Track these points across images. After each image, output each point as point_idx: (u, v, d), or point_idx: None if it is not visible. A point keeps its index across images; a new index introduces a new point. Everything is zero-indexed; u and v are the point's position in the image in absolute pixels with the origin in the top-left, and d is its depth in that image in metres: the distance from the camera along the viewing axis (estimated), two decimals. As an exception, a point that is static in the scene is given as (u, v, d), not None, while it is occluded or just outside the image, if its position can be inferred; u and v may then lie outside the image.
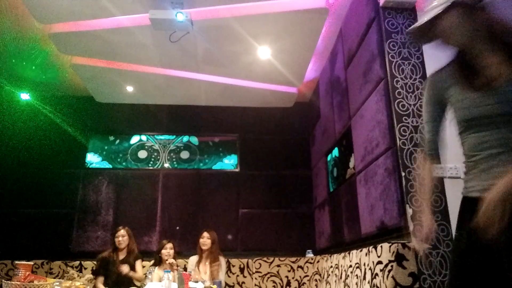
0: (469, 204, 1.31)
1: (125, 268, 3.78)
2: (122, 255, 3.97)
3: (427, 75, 2.83)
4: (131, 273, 3.83)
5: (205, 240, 4.03)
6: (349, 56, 3.67)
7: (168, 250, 3.95)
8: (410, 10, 2.99)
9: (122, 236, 3.97)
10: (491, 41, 1.26)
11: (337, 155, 4.15)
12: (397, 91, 2.79)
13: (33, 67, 4.66)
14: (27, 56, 4.41)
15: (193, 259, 4.10)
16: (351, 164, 3.61)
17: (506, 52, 1.24)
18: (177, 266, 3.76)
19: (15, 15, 3.73)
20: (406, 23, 2.97)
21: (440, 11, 1.28)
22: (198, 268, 3.98)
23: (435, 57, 2.88)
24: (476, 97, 1.29)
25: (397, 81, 2.81)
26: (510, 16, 1.31)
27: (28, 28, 3.92)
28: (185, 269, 4.13)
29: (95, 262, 4.35)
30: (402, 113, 2.74)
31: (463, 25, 1.28)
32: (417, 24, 1.35)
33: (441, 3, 1.29)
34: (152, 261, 4.07)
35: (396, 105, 2.76)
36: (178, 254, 4.27)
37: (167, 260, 3.91)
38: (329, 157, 4.48)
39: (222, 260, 4.07)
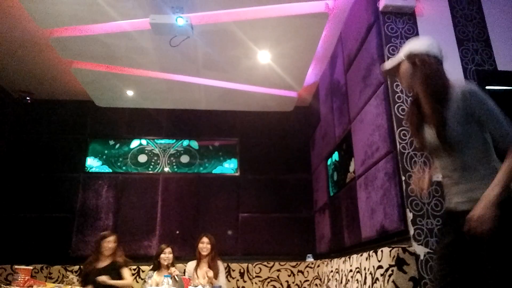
0: (447, 215, 1.64)
1: (103, 278, 3.58)
2: (105, 263, 3.77)
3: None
4: (114, 282, 3.64)
5: (205, 245, 4.01)
6: (349, 60, 3.68)
7: (167, 255, 3.93)
8: (410, 15, 3.01)
9: (114, 243, 3.82)
10: (427, 90, 1.59)
11: (337, 159, 4.15)
12: (397, 95, 2.80)
13: (34, 72, 4.67)
14: (28, 60, 4.42)
15: (191, 264, 4.09)
16: (351, 168, 3.61)
17: (434, 100, 1.57)
18: (178, 274, 3.74)
19: (16, 19, 3.75)
20: (406, 28, 2.98)
21: (397, 62, 1.67)
22: (197, 273, 3.97)
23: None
24: (427, 131, 1.64)
25: (397, 85, 2.82)
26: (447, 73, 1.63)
27: (29, 32, 3.93)
28: (184, 273, 4.11)
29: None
30: (402, 117, 2.75)
31: (409, 74, 1.64)
32: (385, 66, 1.72)
33: (402, 53, 1.66)
34: (151, 266, 4.05)
35: (396, 109, 2.76)
36: (177, 259, 4.26)
37: (167, 265, 3.90)
38: (329, 161, 4.48)
39: (221, 265, 4.05)
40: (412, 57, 1.62)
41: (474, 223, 1.38)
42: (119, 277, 3.74)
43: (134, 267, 4.32)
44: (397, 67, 1.68)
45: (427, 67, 1.58)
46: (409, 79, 1.64)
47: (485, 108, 1.49)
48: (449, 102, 1.54)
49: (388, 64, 1.71)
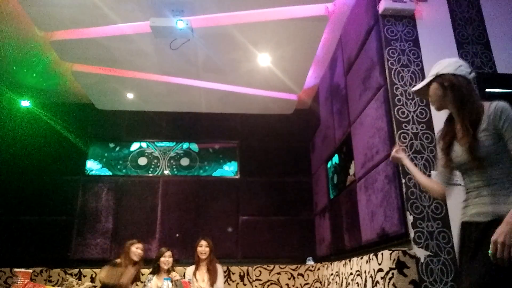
0: (464, 227, 1.63)
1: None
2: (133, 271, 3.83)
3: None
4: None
5: (204, 248, 4.01)
6: (349, 63, 3.68)
7: (167, 258, 3.92)
8: (409, 18, 3.01)
9: (142, 249, 3.90)
10: (459, 111, 1.62)
11: (337, 162, 4.15)
12: (396, 98, 2.80)
13: (34, 74, 4.68)
14: (28, 63, 4.43)
15: (190, 269, 4.08)
16: (351, 171, 3.61)
17: (468, 122, 1.58)
18: (178, 279, 3.74)
19: (16, 22, 3.76)
20: (405, 31, 2.98)
21: (425, 84, 1.71)
22: (196, 277, 3.96)
23: (435, 64, 2.90)
24: (456, 148, 1.66)
25: (397, 88, 2.82)
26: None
27: (30, 35, 3.94)
28: (183, 277, 4.10)
29: (95, 270, 4.34)
30: (402, 120, 2.75)
31: (439, 96, 1.67)
32: (415, 88, 1.77)
33: (431, 74, 1.70)
34: (151, 269, 4.04)
35: (396, 112, 2.77)
36: (177, 262, 4.25)
37: (168, 269, 3.89)
38: (329, 164, 4.48)
39: (219, 268, 4.05)
40: (439, 79, 1.65)
41: (501, 246, 1.35)
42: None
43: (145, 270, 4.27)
44: (426, 88, 1.71)
45: (456, 89, 1.60)
46: (439, 100, 1.68)
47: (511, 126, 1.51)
48: (481, 120, 1.56)
49: (417, 86, 1.75)
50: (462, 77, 1.62)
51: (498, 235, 1.36)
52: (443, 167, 1.76)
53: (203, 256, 3.99)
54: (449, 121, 1.73)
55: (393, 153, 2.01)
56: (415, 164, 2.64)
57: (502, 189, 1.51)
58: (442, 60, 1.71)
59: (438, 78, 1.65)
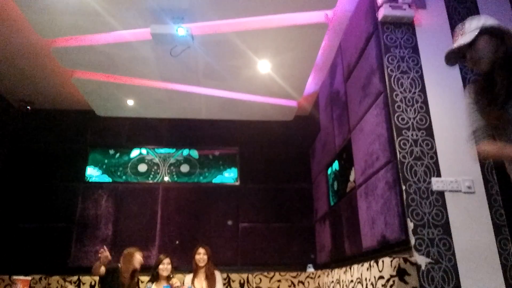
0: None
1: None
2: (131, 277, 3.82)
3: (426, 89, 2.85)
4: None
5: (202, 256, 4.01)
6: (349, 70, 3.69)
7: (165, 266, 3.90)
8: (408, 25, 3.03)
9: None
10: (507, 66, 1.47)
11: (337, 168, 4.14)
12: (396, 104, 2.80)
13: (35, 81, 4.69)
14: (29, 70, 4.44)
15: (189, 277, 4.07)
16: (352, 178, 3.60)
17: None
18: (178, 286, 3.72)
19: (18, 29, 3.78)
20: (405, 38, 3.00)
21: (473, 37, 1.50)
22: (194, 285, 3.94)
23: (434, 70, 2.91)
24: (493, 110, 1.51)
25: (397, 95, 2.83)
26: None
27: (30, 42, 3.95)
28: (183, 284, 4.08)
29: (94, 278, 4.31)
30: (402, 126, 2.75)
31: (492, 48, 1.49)
32: (453, 46, 1.56)
33: (472, 29, 1.51)
34: (150, 277, 4.01)
35: (395, 119, 2.77)
36: (176, 269, 4.23)
37: (167, 276, 3.87)
38: (329, 171, 4.47)
39: (218, 275, 4.03)
40: (490, 31, 1.50)
41: None
42: None
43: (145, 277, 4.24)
44: (466, 46, 1.53)
45: (506, 40, 1.49)
46: (492, 55, 1.50)
47: None
48: None
49: (460, 42, 1.54)
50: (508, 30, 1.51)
51: None
52: (485, 123, 1.56)
53: (201, 264, 3.98)
54: (488, 82, 1.55)
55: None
56: (415, 171, 2.63)
57: None
58: (470, 18, 1.58)
59: (486, 32, 1.50)
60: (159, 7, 3.38)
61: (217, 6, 3.42)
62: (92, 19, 3.51)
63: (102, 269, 3.59)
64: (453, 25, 3.07)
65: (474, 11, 3.15)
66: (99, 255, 3.49)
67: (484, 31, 1.49)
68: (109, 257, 3.52)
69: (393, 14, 2.96)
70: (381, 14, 2.99)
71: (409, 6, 2.99)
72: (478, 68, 1.56)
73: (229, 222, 5.02)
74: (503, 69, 1.49)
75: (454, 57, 1.58)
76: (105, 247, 3.56)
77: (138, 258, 3.82)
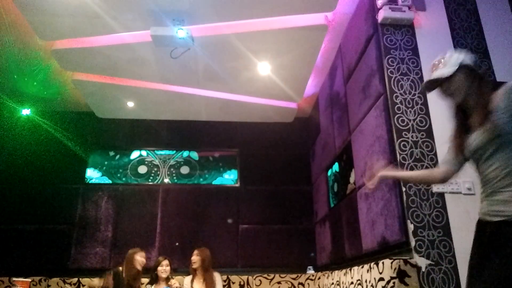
0: (478, 226, 1.58)
1: None
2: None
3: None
4: None
5: (194, 257, 4.02)
6: (349, 71, 3.70)
7: (164, 267, 3.90)
8: (408, 27, 3.03)
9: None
10: (480, 98, 1.57)
11: (337, 170, 4.14)
12: (396, 106, 2.81)
13: (35, 83, 4.69)
14: (29, 72, 4.44)
15: (188, 279, 4.07)
16: (352, 179, 3.60)
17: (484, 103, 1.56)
18: (177, 287, 3.72)
19: (17, 31, 3.78)
20: (405, 39, 3.00)
21: (452, 72, 1.59)
22: (193, 287, 3.94)
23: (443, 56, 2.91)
24: (471, 137, 1.60)
25: (397, 97, 2.83)
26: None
27: (30, 44, 3.96)
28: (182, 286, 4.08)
29: (93, 279, 4.30)
30: (402, 128, 2.75)
31: (465, 85, 1.58)
32: (432, 76, 1.64)
33: (453, 63, 1.60)
34: (149, 279, 4.01)
35: (395, 120, 2.77)
36: (176, 271, 4.23)
37: (166, 277, 3.86)
38: (329, 172, 4.47)
39: (217, 276, 4.03)
40: (465, 68, 1.59)
41: None
42: None
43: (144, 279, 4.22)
44: (444, 78, 1.62)
45: (485, 79, 1.60)
46: (465, 91, 1.59)
47: None
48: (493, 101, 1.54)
49: (437, 74, 1.63)
50: (481, 68, 1.61)
51: None
52: (452, 155, 1.71)
53: (193, 266, 3.99)
54: (461, 114, 1.67)
55: (375, 180, 1.95)
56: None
57: None
58: (452, 51, 1.67)
59: (463, 68, 1.59)
60: (159, 9, 3.38)
61: (217, 8, 3.42)
62: (92, 21, 3.52)
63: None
64: (453, 27, 3.08)
65: (473, 13, 3.16)
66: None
67: (463, 68, 1.58)
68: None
69: (393, 16, 2.97)
70: (381, 16, 3.00)
71: (409, 8, 2.99)
72: (451, 100, 1.66)
73: (229, 221, 5.01)
74: (474, 105, 1.59)
75: (432, 86, 1.68)
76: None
77: (138, 259, 3.81)
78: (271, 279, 4.50)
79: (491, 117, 1.51)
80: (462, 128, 1.66)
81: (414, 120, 2.78)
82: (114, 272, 3.72)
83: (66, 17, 3.46)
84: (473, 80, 1.58)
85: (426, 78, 2.88)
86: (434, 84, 1.67)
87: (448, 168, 1.73)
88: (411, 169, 2.63)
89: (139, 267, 3.79)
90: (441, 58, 1.67)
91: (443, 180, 1.78)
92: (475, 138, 1.57)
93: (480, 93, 1.57)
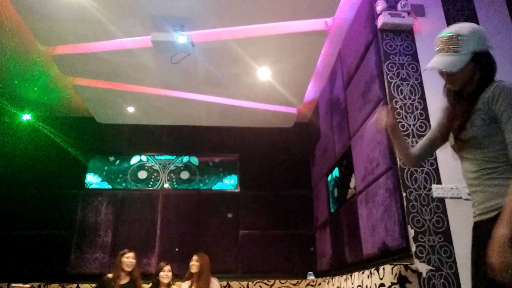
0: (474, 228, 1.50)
1: None
2: (125, 280, 3.76)
3: (426, 96, 2.86)
4: None
5: (193, 263, 4.01)
6: (348, 77, 3.71)
7: (166, 273, 3.89)
8: (408, 32, 3.04)
9: (133, 258, 3.79)
10: (479, 89, 1.46)
11: (337, 175, 4.14)
12: (396, 111, 2.81)
13: (35, 88, 4.70)
14: (29, 77, 4.46)
15: (186, 284, 4.05)
16: (352, 185, 3.60)
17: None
18: None
19: (18, 37, 3.79)
20: (404, 45, 3.01)
21: (463, 66, 1.43)
22: None
23: (434, 77, 2.92)
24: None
25: (396, 102, 2.83)
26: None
27: (31, 50, 3.97)
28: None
29: (93, 285, 4.28)
30: (402, 133, 2.75)
31: (469, 76, 1.46)
32: (438, 66, 1.46)
33: (464, 52, 1.43)
34: (150, 284, 3.99)
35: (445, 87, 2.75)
36: (176, 277, 4.21)
37: (168, 283, 3.85)
38: (329, 177, 4.47)
39: (215, 282, 4.01)
40: (476, 57, 1.44)
41: (499, 273, 1.20)
42: None
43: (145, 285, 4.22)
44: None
45: (491, 71, 1.47)
46: (467, 81, 1.46)
47: (509, 108, 1.33)
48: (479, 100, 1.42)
49: (447, 63, 1.44)
50: (491, 55, 1.47)
51: (491, 255, 1.22)
52: (429, 139, 1.67)
53: (192, 270, 4.00)
54: (458, 99, 1.53)
55: (382, 116, 1.78)
56: (415, 178, 2.63)
57: (495, 179, 1.37)
58: (464, 26, 1.49)
59: (475, 57, 1.44)
60: (160, 15, 3.40)
61: (218, 14, 3.44)
62: (93, 27, 3.53)
63: None
64: (452, 33, 3.08)
65: (472, 18, 3.17)
66: None
67: (475, 57, 1.44)
68: None
69: (392, 21, 2.98)
70: (380, 21, 3.01)
71: (408, 13, 3.01)
72: (450, 86, 1.53)
73: (229, 215, 5.00)
74: (468, 99, 1.48)
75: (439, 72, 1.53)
76: None
77: (124, 261, 3.74)
78: (271, 285, 4.48)
79: (473, 116, 1.42)
80: (452, 112, 1.54)
81: (414, 125, 2.78)
82: (99, 282, 3.73)
83: (67, 22, 3.47)
84: (479, 72, 1.45)
85: (426, 83, 2.89)
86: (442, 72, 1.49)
87: (423, 151, 1.70)
88: (411, 174, 2.63)
89: (127, 269, 3.73)
90: (452, 36, 1.46)
91: (414, 164, 1.76)
92: (453, 132, 1.50)
93: (477, 86, 1.46)
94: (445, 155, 2.69)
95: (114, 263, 3.87)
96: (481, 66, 1.44)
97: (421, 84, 2.89)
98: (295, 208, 5.21)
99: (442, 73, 1.51)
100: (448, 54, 1.45)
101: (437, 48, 1.51)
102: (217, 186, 5.36)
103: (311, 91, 4.88)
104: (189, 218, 5.05)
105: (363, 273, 2.88)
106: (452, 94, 1.56)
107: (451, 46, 1.46)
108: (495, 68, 1.49)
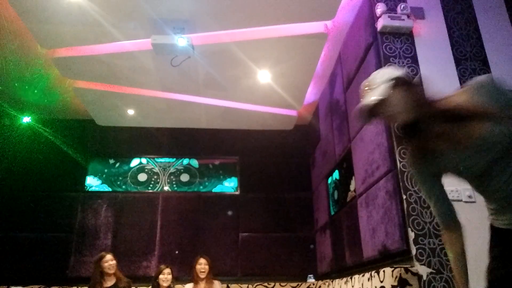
0: (497, 233, 1.42)
1: None
2: (110, 282, 3.70)
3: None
4: None
5: (203, 266, 3.98)
6: (348, 79, 3.71)
7: (166, 276, 3.88)
8: (407, 35, 3.05)
9: (111, 260, 3.71)
10: (433, 111, 1.35)
11: (337, 177, 4.14)
12: (396, 114, 2.81)
13: (35, 91, 4.71)
14: (30, 80, 4.46)
15: (188, 286, 4.04)
16: (352, 187, 3.60)
17: (449, 119, 1.33)
18: None
19: (19, 40, 3.80)
20: (404, 48, 3.02)
21: (387, 92, 1.32)
22: None
23: (433, 80, 2.92)
24: (456, 156, 1.38)
25: (396, 104, 2.83)
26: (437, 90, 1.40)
27: (32, 52, 3.98)
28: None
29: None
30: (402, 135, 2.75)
31: (407, 101, 1.33)
32: (366, 103, 1.34)
33: (383, 81, 1.35)
34: (150, 287, 3.99)
35: (396, 128, 2.77)
36: (176, 279, 4.20)
37: (168, 286, 3.84)
38: (329, 180, 4.47)
39: (218, 284, 4.01)
40: (396, 82, 1.34)
41: None
42: None
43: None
44: (378, 104, 1.34)
45: (418, 87, 1.39)
46: (408, 105, 1.33)
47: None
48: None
49: (373, 96, 1.34)
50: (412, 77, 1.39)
51: None
52: (431, 187, 1.52)
53: (202, 275, 3.95)
54: (412, 134, 1.42)
55: None
56: (415, 180, 2.63)
57: None
58: (374, 73, 1.44)
59: (394, 82, 1.34)
60: (160, 18, 3.41)
61: (218, 17, 3.45)
62: (93, 30, 3.54)
63: None
64: (452, 35, 3.09)
65: (472, 21, 3.18)
66: None
67: (394, 82, 1.33)
68: None
69: (392, 24, 2.98)
70: (380, 24, 3.02)
71: (408, 16, 3.01)
72: (397, 122, 1.40)
73: (229, 213, 4.99)
74: (432, 114, 1.36)
75: (369, 115, 1.37)
76: None
77: (106, 266, 3.68)
78: (272, 288, 4.47)
79: (470, 125, 1.30)
80: (421, 150, 1.42)
81: (414, 127, 2.77)
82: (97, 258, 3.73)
83: (67, 25, 3.48)
84: (412, 92, 1.35)
85: (425, 86, 2.89)
86: (370, 112, 1.35)
87: (447, 211, 1.53)
88: (411, 177, 2.62)
89: (110, 272, 3.68)
90: (366, 82, 1.41)
91: (459, 231, 1.54)
92: (460, 155, 1.35)
93: (428, 102, 1.35)
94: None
95: (93, 270, 3.75)
96: (405, 85, 1.36)
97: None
98: (295, 210, 5.21)
99: (383, 118, 1.41)
100: (367, 95, 1.38)
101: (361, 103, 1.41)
102: (217, 189, 5.36)
103: (311, 94, 4.89)
104: (189, 220, 5.05)
105: (363, 275, 2.88)
106: (412, 132, 1.43)
107: (367, 89, 1.39)
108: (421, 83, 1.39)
